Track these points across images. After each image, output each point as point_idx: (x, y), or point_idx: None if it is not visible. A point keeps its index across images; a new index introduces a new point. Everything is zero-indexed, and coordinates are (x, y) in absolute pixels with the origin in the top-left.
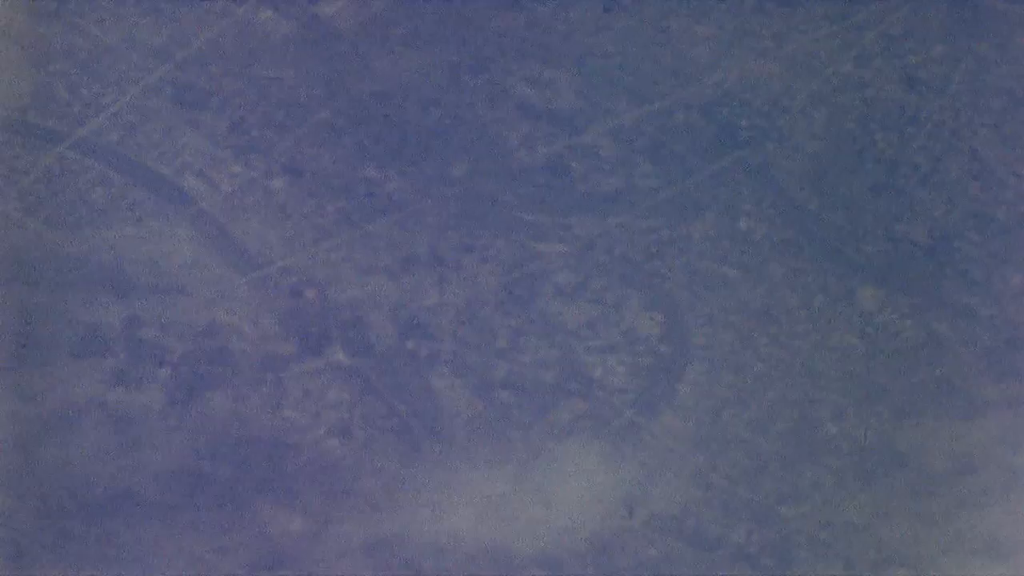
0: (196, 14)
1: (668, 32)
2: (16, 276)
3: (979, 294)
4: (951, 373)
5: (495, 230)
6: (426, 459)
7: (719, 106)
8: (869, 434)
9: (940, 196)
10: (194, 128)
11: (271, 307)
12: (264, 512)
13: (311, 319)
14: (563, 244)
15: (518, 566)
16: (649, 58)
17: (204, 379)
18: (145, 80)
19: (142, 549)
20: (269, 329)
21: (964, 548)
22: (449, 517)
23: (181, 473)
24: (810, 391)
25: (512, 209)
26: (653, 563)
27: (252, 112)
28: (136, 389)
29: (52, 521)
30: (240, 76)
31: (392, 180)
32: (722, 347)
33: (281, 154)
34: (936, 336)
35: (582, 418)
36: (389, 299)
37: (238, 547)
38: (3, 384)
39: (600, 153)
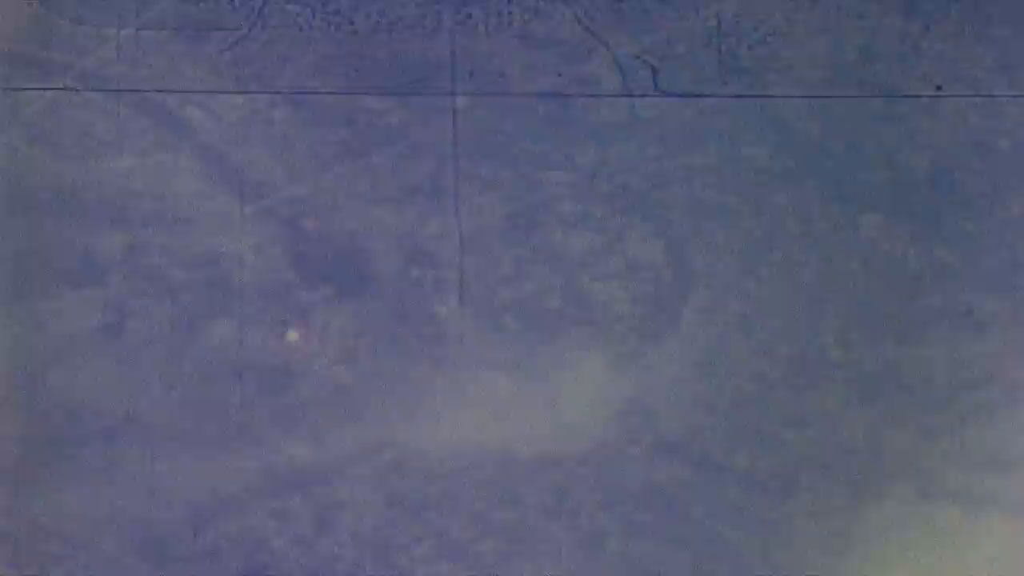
0: None
1: None
2: (18, 207)
3: (980, 221)
4: (954, 298)
5: (497, 159)
6: (428, 364)
7: (721, 35)
8: (872, 358)
9: (942, 125)
10: (196, 60)
11: (274, 237)
12: (270, 438)
13: (314, 248)
14: (566, 173)
15: (521, 469)
16: None
17: (207, 307)
18: (147, 11)
19: (149, 474)
20: (272, 258)
21: (967, 462)
22: (452, 421)
23: (186, 400)
24: (813, 317)
25: (514, 139)
26: (658, 488)
27: (254, 43)
28: (139, 317)
29: (57, 448)
30: (242, 7)
31: (393, 110)
32: (725, 274)
33: (283, 85)
34: (938, 262)
35: (587, 341)
36: (393, 228)
37: (245, 472)
38: (5, 313)
39: (602, 83)
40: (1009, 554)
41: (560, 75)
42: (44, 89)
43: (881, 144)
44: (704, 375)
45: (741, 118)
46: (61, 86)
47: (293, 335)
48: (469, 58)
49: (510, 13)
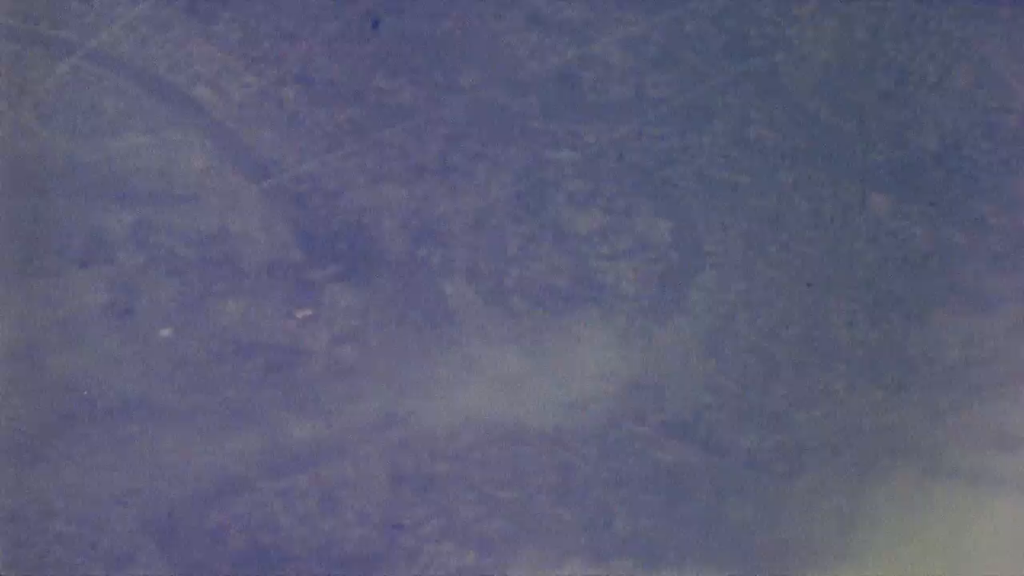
0: None
1: None
2: (29, 185)
3: (988, 201)
4: (961, 276)
5: (506, 138)
6: (435, 343)
7: (729, 15)
8: (879, 338)
9: (950, 104)
10: (206, 38)
11: (283, 215)
12: (277, 417)
13: (323, 227)
14: (574, 152)
15: (528, 449)
16: None
17: (215, 286)
18: None
19: (156, 453)
20: (281, 236)
21: (974, 441)
22: (459, 399)
23: (193, 379)
24: (821, 297)
25: (522, 118)
26: (665, 468)
27: (264, 22)
28: (146, 296)
29: (67, 427)
30: None
31: (403, 89)
32: (733, 254)
33: (292, 63)
34: (946, 242)
35: (594, 320)
36: (401, 207)
37: (251, 451)
38: (14, 291)
39: (610, 62)
40: (1015, 531)
41: (569, 55)
42: (54, 67)
43: (889, 124)
44: (711, 355)
45: (749, 97)
46: (71, 64)
47: (301, 313)
48: (478, 38)
49: None
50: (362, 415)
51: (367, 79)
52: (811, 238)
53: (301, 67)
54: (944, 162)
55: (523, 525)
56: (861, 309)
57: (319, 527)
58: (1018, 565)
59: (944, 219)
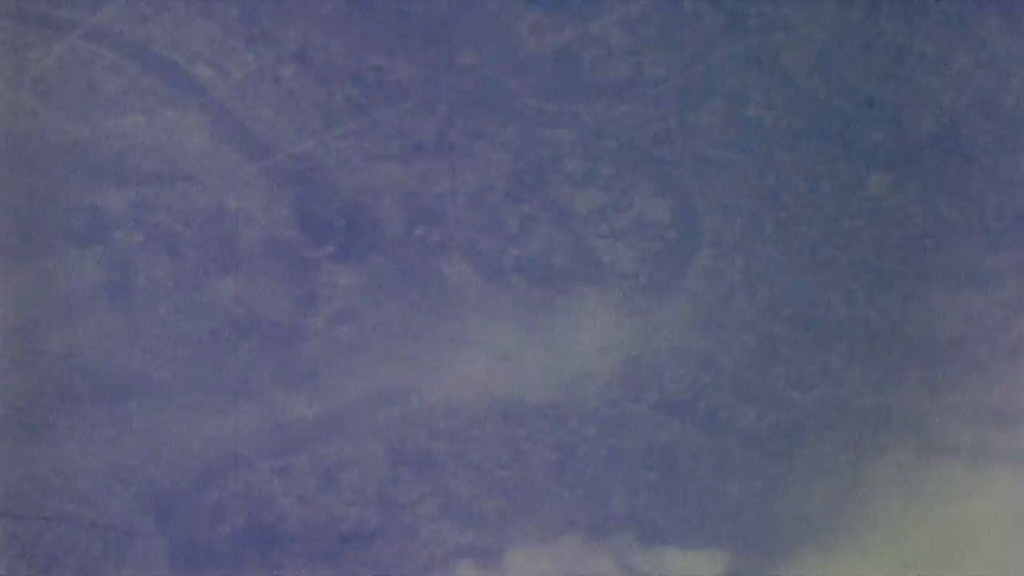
0: None
1: None
2: (27, 163)
3: (985, 180)
4: (958, 255)
5: (504, 117)
6: (433, 322)
7: None
8: (877, 316)
9: (948, 84)
10: (205, 17)
11: (281, 194)
12: (275, 395)
13: (321, 205)
14: (573, 131)
15: (526, 428)
16: None
17: (213, 264)
18: None
19: (154, 431)
20: (279, 215)
21: (972, 416)
22: (457, 378)
23: (191, 358)
24: (819, 276)
25: (521, 97)
26: (663, 446)
27: (262, 1)
28: (144, 275)
29: (67, 404)
30: None
31: (400, 68)
32: (731, 233)
33: (291, 42)
34: (943, 220)
35: (593, 299)
36: (399, 186)
37: (249, 429)
38: (13, 269)
39: (609, 42)
40: (1013, 506)
41: (568, 34)
42: (53, 46)
43: (887, 104)
44: (709, 333)
45: (747, 77)
46: (69, 42)
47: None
48: (477, 17)
49: None
50: (359, 393)
51: (365, 58)
52: (809, 217)
53: (300, 46)
54: (942, 142)
55: (521, 503)
56: (859, 288)
57: (317, 505)
58: (1017, 538)
59: (941, 198)
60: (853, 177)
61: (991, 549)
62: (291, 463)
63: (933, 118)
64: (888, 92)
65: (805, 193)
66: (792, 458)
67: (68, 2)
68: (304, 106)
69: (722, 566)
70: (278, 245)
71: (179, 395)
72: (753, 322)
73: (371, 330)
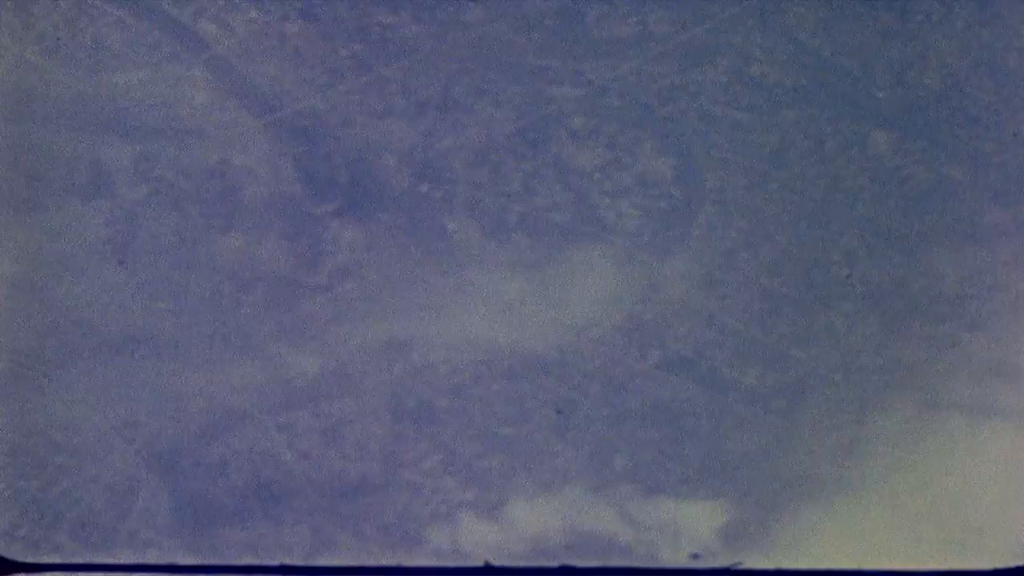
0: None
1: None
2: (32, 118)
3: (989, 138)
4: (961, 212)
5: (509, 74)
6: (437, 279)
7: None
8: (879, 273)
9: (952, 43)
10: None
11: (285, 150)
12: (278, 351)
13: (324, 162)
14: (577, 88)
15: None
16: None
17: (216, 220)
18: None
19: (157, 387)
20: (282, 171)
21: (973, 372)
22: (460, 334)
23: (194, 313)
24: (822, 234)
25: (525, 54)
26: (665, 404)
27: None
28: (147, 230)
29: (68, 360)
30: None
31: (406, 24)
32: (734, 191)
33: None
34: (946, 178)
35: (596, 256)
36: (403, 142)
37: (252, 385)
38: (16, 224)
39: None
40: (1014, 462)
41: None
42: (58, 2)
43: (891, 61)
44: (711, 291)
45: (752, 34)
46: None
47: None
48: None
49: None
50: (362, 350)
51: (370, 14)
52: (812, 175)
53: (305, 2)
54: (945, 100)
55: (523, 461)
56: (862, 245)
57: (320, 462)
58: (1018, 494)
59: (945, 156)
60: (856, 135)
61: (993, 504)
62: (294, 420)
63: (937, 76)
64: (892, 49)
65: (808, 150)
66: (794, 415)
67: None
68: (309, 62)
69: (723, 519)
70: (282, 201)
71: (182, 351)
72: (755, 280)
73: (374, 286)
